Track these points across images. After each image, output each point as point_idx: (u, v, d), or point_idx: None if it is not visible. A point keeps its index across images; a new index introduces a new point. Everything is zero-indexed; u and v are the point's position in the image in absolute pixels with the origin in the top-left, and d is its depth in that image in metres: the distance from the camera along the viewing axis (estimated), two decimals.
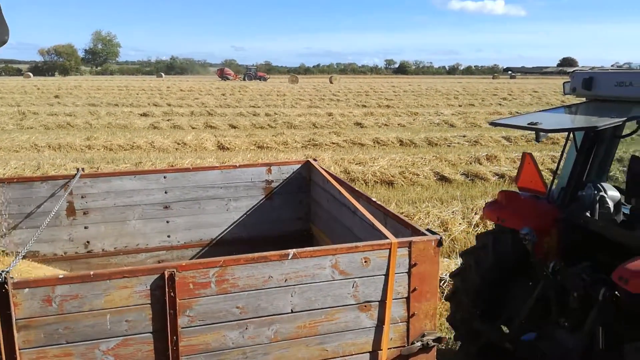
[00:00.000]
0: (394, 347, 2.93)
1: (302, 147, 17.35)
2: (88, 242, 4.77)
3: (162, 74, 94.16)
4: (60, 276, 2.48)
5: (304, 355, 2.82)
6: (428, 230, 3.02)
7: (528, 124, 3.72)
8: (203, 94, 41.07)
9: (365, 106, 32.97)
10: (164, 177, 4.85)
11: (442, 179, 12.35)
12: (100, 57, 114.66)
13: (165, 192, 4.88)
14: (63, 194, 4.52)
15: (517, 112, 28.85)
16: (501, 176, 12.56)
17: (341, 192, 4.10)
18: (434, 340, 2.94)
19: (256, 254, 2.67)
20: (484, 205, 4.61)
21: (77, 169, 4.68)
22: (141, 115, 25.96)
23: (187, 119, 24.11)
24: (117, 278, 2.50)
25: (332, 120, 24.12)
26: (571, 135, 4.15)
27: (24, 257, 4.17)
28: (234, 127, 22.21)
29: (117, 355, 2.58)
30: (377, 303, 2.87)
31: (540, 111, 4.37)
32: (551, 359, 3.80)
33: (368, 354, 2.90)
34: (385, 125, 23.29)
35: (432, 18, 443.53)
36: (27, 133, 18.85)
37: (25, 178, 4.67)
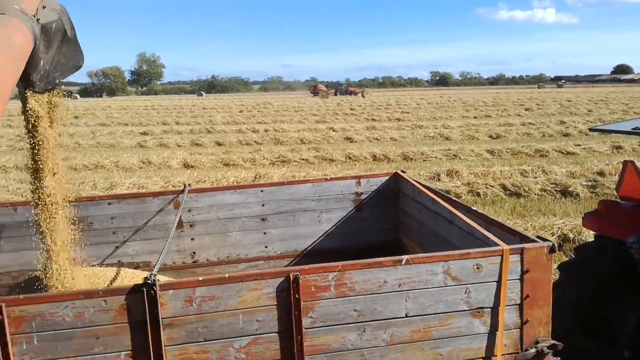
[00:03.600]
0: (507, 354, 2.96)
1: (269, 163, 16.89)
2: (194, 252, 5.04)
3: (203, 93, 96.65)
4: (200, 278, 2.67)
5: (419, 359, 2.88)
6: (539, 237, 3.02)
7: (633, 129, 3.67)
8: (221, 112, 41.49)
9: (374, 120, 32.16)
10: (261, 191, 5.09)
11: None
12: (145, 78, 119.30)
13: (263, 205, 5.10)
14: (172, 208, 4.87)
15: (530, 123, 27.27)
16: (446, 193, 11.55)
17: (437, 201, 4.11)
18: (548, 347, 2.94)
19: (371, 260, 2.79)
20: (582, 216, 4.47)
21: (184, 185, 4.97)
22: (141, 134, 26.32)
23: (179, 137, 24.19)
24: (248, 280, 2.69)
25: (325, 136, 23.53)
26: None
27: (137, 268, 4.72)
28: (219, 144, 22.04)
29: (249, 353, 2.74)
30: (490, 309, 2.91)
31: None
32: None
33: (482, 359, 2.95)
34: (377, 139, 22.46)
35: (479, 29, 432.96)
36: (7, 155, 19.07)
37: (139, 194, 5.06)
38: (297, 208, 5.15)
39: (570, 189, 11.26)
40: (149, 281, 2.57)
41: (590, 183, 11.63)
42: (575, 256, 4.37)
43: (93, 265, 4.61)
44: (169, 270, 4.91)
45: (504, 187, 11.59)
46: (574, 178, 12.31)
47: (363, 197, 5.27)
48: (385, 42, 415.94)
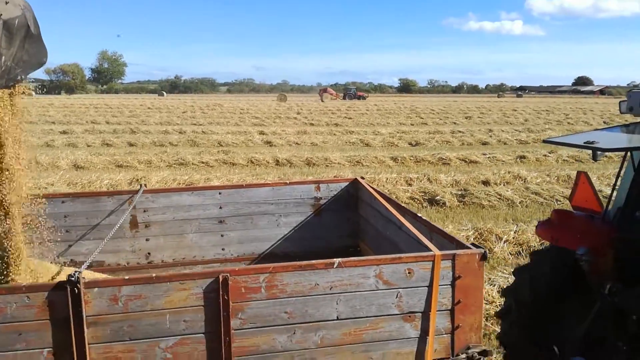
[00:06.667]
0: (438, 359, 2.96)
1: (166, 166, 16.29)
2: (149, 253, 4.97)
3: (164, 93, 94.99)
4: (126, 277, 2.65)
5: None
6: (472, 244, 3.04)
7: (584, 142, 3.72)
8: (164, 112, 40.61)
9: (312, 124, 31.87)
10: (219, 193, 5.04)
11: None
12: (105, 76, 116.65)
13: (220, 208, 5.05)
14: (127, 208, 4.77)
15: (459, 131, 27.29)
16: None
17: (387, 208, 4.15)
18: (479, 353, 2.94)
19: (303, 262, 2.81)
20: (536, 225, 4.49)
21: (140, 185, 4.89)
22: (60, 132, 25.38)
23: (94, 137, 23.35)
24: (176, 281, 2.67)
25: (246, 139, 23.02)
26: (628, 154, 4.03)
27: (89, 267, 4.36)
28: (131, 145, 21.31)
29: (175, 354, 2.73)
30: (421, 314, 2.92)
31: (597, 130, 4.43)
32: None
33: None
34: (297, 144, 22.08)
35: (448, 39, 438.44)
36: None
37: (93, 193, 4.97)
38: (256, 211, 5.11)
39: (437, 197, 11.01)
40: (73, 278, 2.53)
41: (460, 192, 11.41)
42: (528, 263, 4.44)
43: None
44: (122, 271, 4.79)
45: None
46: (448, 187, 12.09)
47: (322, 202, 5.24)
48: (359, 48, 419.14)
